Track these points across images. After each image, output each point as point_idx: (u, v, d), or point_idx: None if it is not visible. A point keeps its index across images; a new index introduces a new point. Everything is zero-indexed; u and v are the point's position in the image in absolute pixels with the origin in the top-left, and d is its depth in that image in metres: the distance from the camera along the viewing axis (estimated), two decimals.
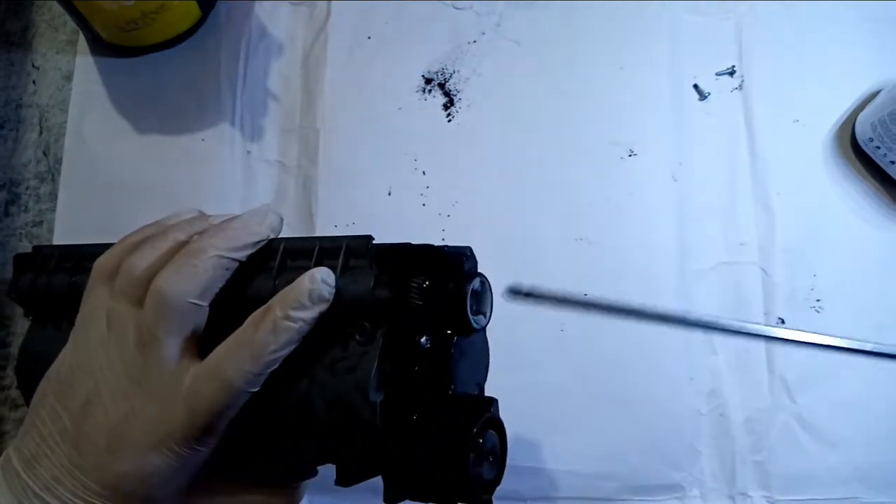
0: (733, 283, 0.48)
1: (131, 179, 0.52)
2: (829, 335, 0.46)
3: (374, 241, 0.29)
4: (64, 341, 0.30)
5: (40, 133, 0.55)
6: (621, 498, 0.45)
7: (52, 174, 0.54)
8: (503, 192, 0.50)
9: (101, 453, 0.27)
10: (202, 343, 0.28)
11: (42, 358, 0.32)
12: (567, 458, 0.46)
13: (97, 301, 0.29)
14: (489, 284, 0.30)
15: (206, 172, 0.52)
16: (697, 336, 0.47)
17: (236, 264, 0.28)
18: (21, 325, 0.51)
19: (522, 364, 0.46)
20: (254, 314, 0.28)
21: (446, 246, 0.29)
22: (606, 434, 0.46)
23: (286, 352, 0.27)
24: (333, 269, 0.28)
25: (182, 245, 0.29)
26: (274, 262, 0.29)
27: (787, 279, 0.48)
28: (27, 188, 0.54)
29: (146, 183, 0.52)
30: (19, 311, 0.51)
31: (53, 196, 0.53)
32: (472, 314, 0.28)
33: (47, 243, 0.52)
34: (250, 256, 0.29)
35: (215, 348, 0.27)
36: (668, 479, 0.45)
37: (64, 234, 0.52)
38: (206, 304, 0.28)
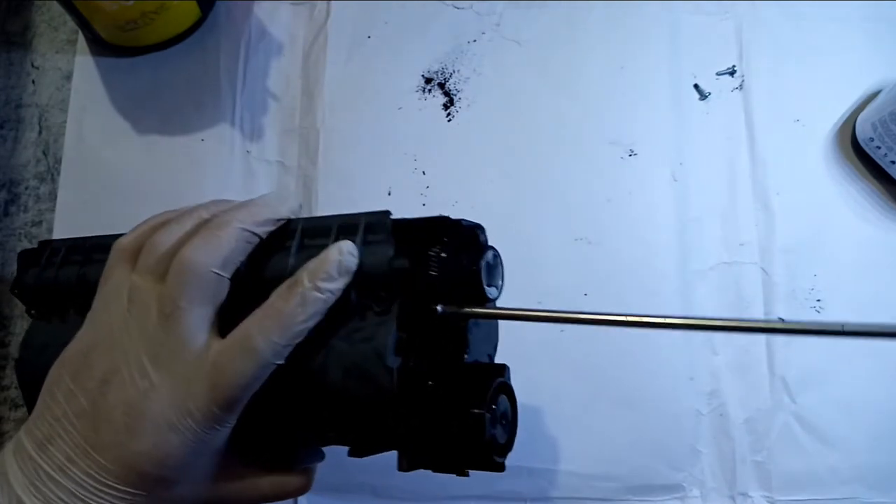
0: (733, 282, 0.48)
1: (131, 179, 0.52)
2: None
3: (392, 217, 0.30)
4: (70, 332, 0.30)
5: (40, 133, 0.55)
6: (621, 498, 0.45)
7: (51, 174, 0.54)
8: (503, 191, 0.50)
9: (118, 431, 0.27)
10: (221, 319, 0.28)
11: (45, 350, 0.33)
12: (567, 458, 0.46)
13: (118, 279, 0.29)
14: (501, 257, 0.31)
15: (206, 172, 0.52)
16: (697, 336, 0.47)
17: (257, 239, 0.29)
18: (20, 326, 0.51)
19: (522, 364, 0.46)
20: (279, 287, 0.28)
21: (462, 219, 0.29)
22: (606, 434, 0.46)
23: (312, 323, 0.27)
24: (353, 243, 0.29)
25: (206, 222, 0.29)
26: (291, 241, 0.30)
27: (788, 279, 0.48)
28: (27, 188, 0.54)
29: (146, 183, 0.52)
30: (19, 310, 0.51)
31: (53, 196, 0.53)
32: (487, 285, 0.29)
33: (49, 239, 0.52)
34: (269, 234, 0.29)
35: (240, 322, 0.28)
36: (668, 480, 0.45)
37: (64, 233, 0.52)
38: (228, 275, 0.28)
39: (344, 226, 0.30)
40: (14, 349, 0.51)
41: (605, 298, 0.48)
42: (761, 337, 0.47)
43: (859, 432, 0.45)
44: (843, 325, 0.23)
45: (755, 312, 0.47)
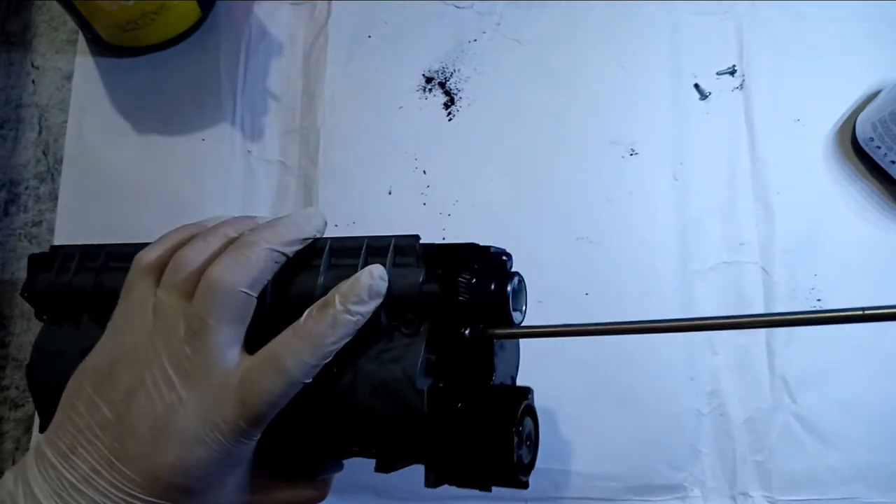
0: (734, 282, 0.48)
1: (131, 179, 0.52)
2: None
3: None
4: (84, 339, 0.30)
5: (40, 133, 0.55)
6: (622, 498, 0.45)
7: (51, 174, 0.54)
8: (504, 191, 0.50)
9: (144, 444, 0.27)
10: (248, 336, 0.29)
11: (59, 357, 0.33)
12: (568, 458, 0.46)
13: (141, 294, 0.30)
14: (525, 282, 0.32)
15: (207, 172, 0.52)
16: (698, 336, 0.47)
17: (284, 259, 0.29)
18: (20, 326, 0.51)
19: (522, 364, 0.46)
20: (311, 308, 0.28)
21: (490, 246, 0.30)
22: (607, 434, 0.46)
23: (342, 343, 0.28)
24: (383, 265, 0.29)
25: (232, 241, 0.30)
26: (319, 259, 0.31)
27: (788, 279, 0.48)
28: (27, 188, 0.54)
29: (146, 183, 0.52)
30: (18, 311, 0.51)
31: (53, 196, 0.53)
32: (512, 310, 0.30)
33: (46, 243, 0.52)
34: (296, 253, 0.30)
35: (270, 340, 0.28)
36: (668, 479, 0.45)
37: (64, 234, 0.52)
38: (255, 294, 0.28)
39: (373, 247, 0.30)
40: (14, 349, 0.51)
41: (605, 298, 0.48)
42: (761, 337, 0.47)
43: (859, 432, 0.45)
44: (863, 311, 0.23)
45: (755, 311, 0.47)
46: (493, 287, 0.29)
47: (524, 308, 0.32)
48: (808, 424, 0.46)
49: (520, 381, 0.34)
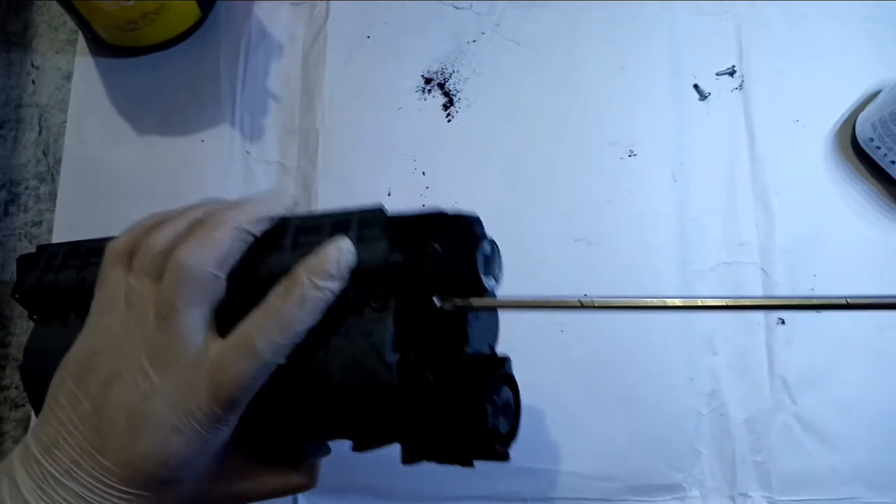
0: (733, 283, 0.48)
1: (131, 180, 0.52)
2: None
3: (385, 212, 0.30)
4: (72, 335, 0.30)
5: (40, 133, 0.55)
6: (621, 498, 0.45)
7: (51, 174, 0.54)
8: (503, 192, 0.50)
9: (121, 434, 0.27)
10: (219, 319, 0.28)
11: (49, 355, 0.33)
12: (567, 458, 0.46)
13: (114, 282, 0.29)
14: (498, 247, 0.30)
15: (206, 173, 0.52)
16: (697, 336, 0.47)
17: (252, 238, 0.29)
18: (20, 326, 0.51)
19: (522, 364, 0.46)
20: (277, 286, 0.28)
21: (459, 212, 0.29)
22: (606, 434, 0.46)
23: (312, 321, 0.27)
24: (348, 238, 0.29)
25: (200, 222, 0.29)
26: (285, 239, 0.30)
27: (788, 279, 0.48)
28: (27, 188, 0.54)
29: (146, 183, 0.52)
30: (18, 311, 0.51)
31: (53, 196, 0.53)
32: (484, 276, 0.29)
33: (48, 243, 0.52)
34: (264, 233, 0.29)
35: (237, 321, 0.28)
36: (668, 480, 0.45)
37: (63, 234, 0.52)
38: (223, 275, 0.28)
39: (338, 222, 0.30)
40: (14, 349, 0.51)
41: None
42: (761, 337, 0.47)
43: (859, 432, 0.45)
44: (846, 299, 0.23)
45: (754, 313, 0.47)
46: (461, 254, 0.28)
47: (498, 273, 0.30)
48: (808, 425, 0.46)
49: (518, 379, 0.33)
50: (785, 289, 0.48)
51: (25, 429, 0.49)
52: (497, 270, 0.30)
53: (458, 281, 0.28)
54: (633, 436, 0.46)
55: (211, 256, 0.27)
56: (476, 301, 0.29)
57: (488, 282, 0.29)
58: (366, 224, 0.29)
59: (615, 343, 0.47)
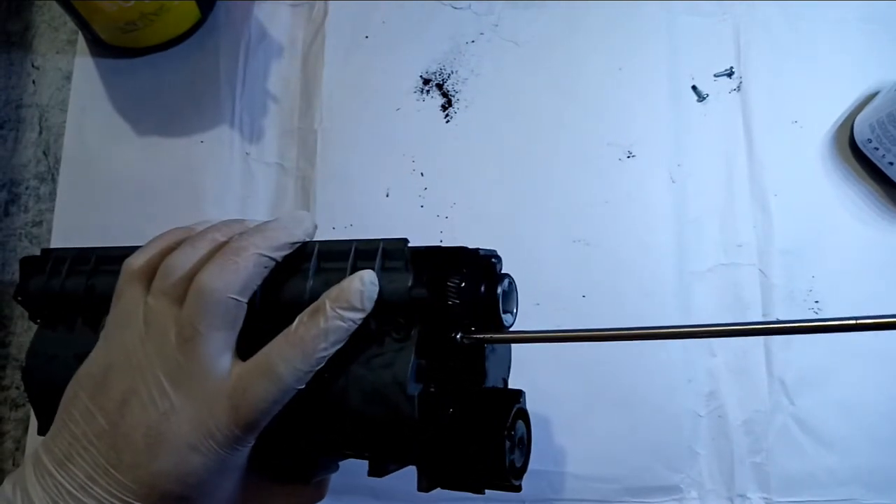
0: (731, 284, 0.48)
1: (130, 180, 0.53)
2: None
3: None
4: (78, 342, 0.30)
5: (40, 133, 0.55)
6: (620, 500, 0.45)
7: (51, 174, 0.54)
8: (501, 193, 0.50)
9: (138, 452, 0.27)
10: (239, 342, 0.29)
11: (54, 360, 0.33)
12: (565, 459, 0.46)
13: (131, 300, 0.30)
14: (515, 284, 0.31)
15: (205, 174, 0.52)
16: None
17: (273, 263, 0.29)
18: (20, 326, 0.51)
19: (521, 366, 0.46)
20: (303, 313, 0.28)
21: (479, 248, 0.30)
22: (605, 436, 0.46)
23: (334, 350, 0.28)
24: (372, 269, 0.29)
25: (221, 246, 0.30)
26: (308, 264, 0.30)
27: (786, 281, 0.48)
28: (27, 188, 0.54)
29: (145, 184, 0.52)
30: (19, 311, 0.52)
31: (53, 196, 0.53)
32: (502, 312, 0.30)
33: (47, 243, 0.52)
34: (285, 258, 0.30)
35: (261, 345, 0.28)
36: (666, 481, 0.45)
37: (63, 234, 0.52)
38: (245, 300, 0.28)
39: (361, 251, 0.30)
40: (14, 349, 0.51)
41: (603, 300, 0.48)
42: (760, 339, 0.47)
43: (858, 434, 0.45)
44: (857, 320, 0.23)
45: (753, 314, 0.47)
46: (482, 290, 0.29)
47: (515, 310, 0.31)
48: (807, 426, 0.46)
49: (516, 382, 0.34)
50: (783, 290, 0.48)
51: (26, 429, 0.50)
52: (514, 307, 0.32)
53: (478, 316, 0.29)
54: (632, 437, 0.46)
55: (234, 283, 0.28)
56: (496, 335, 0.29)
57: (506, 318, 0.30)
58: (389, 255, 0.30)
59: (613, 344, 0.47)
